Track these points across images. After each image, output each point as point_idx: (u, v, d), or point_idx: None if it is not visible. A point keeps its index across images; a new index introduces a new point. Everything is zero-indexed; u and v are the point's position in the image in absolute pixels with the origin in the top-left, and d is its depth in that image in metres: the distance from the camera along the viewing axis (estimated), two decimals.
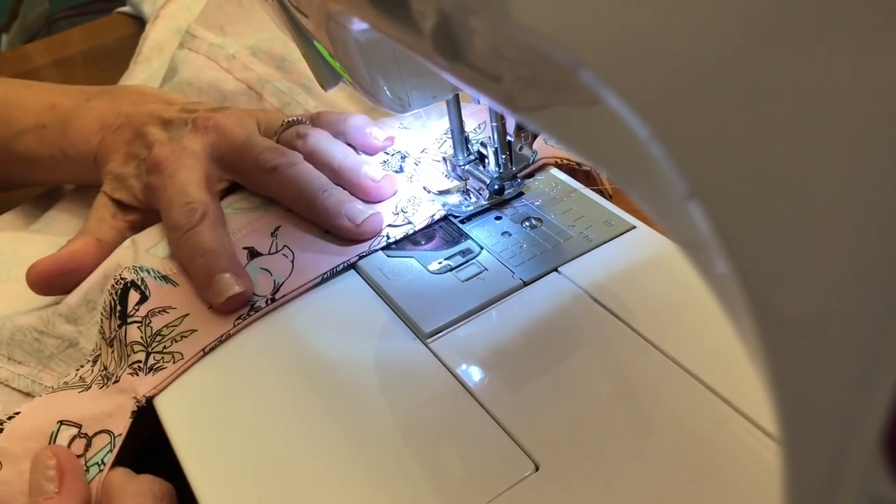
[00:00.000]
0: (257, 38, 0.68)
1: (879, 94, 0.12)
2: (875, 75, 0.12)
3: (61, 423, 0.41)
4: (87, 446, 0.40)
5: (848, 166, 0.13)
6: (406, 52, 0.26)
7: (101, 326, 0.47)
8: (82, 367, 0.46)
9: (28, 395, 0.48)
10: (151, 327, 0.45)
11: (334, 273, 0.48)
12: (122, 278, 0.47)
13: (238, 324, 0.45)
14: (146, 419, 0.43)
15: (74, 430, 0.40)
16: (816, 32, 0.13)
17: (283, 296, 0.46)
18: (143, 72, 0.83)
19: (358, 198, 0.50)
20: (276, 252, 0.49)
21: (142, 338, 0.44)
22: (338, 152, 0.52)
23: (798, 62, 0.13)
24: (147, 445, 0.48)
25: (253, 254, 0.49)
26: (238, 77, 0.66)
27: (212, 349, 0.44)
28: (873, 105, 0.13)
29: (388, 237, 0.49)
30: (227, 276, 0.45)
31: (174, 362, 0.43)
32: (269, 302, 0.46)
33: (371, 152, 0.56)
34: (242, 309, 0.45)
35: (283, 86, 0.64)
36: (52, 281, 0.50)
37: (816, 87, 0.13)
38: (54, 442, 0.40)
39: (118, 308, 0.46)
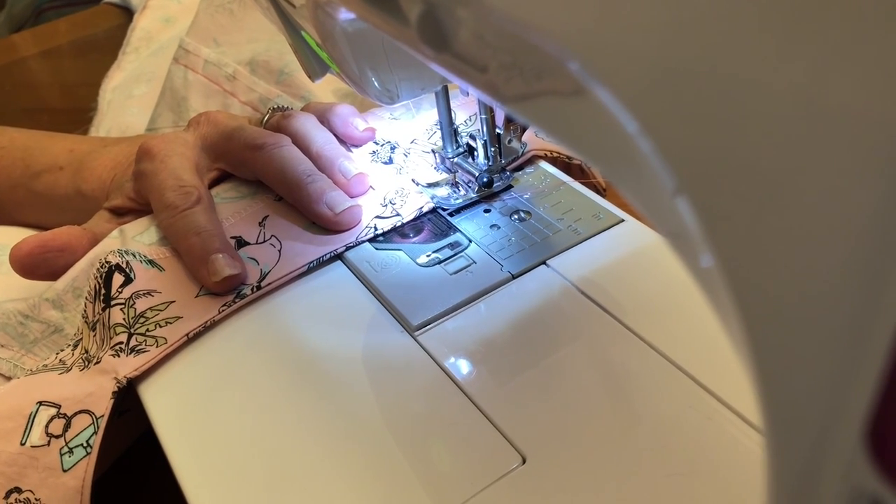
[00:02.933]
0: (252, 50, 0.68)
1: (864, 91, 0.12)
2: (860, 74, 0.12)
3: (40, 403, 0.40)
4: (67, 427, 0.40)
5: (833, 162, 0.13)
6: (394, 42, 0.26)
7: (85, 310, 0.46)
8: (62, 350, 0.46)
9: (9, 378, 0.48)
10: (135, 308, 0.44)
11: (321, 262, 0.47)
12: (106, 262, 0.46)
13: (223, 311, 0.44)
14: (135, 417, 0.42)
15: (53, 411, 0.40)
16: (804, 30, 0.13)
17: (269, 283, 0.46)
18: (132, 62, 0.82)
19: None
20: (264, 241, 0.49)
21: (124, 319, 0.44)
22: (318, 138, 0.52)
23: (785, 59, 0.13)
24: (135, 443, 0.48)
25: (241, 243, 0.49)
26: (243, 101, 0.67)
27: (196, 335, 0.44)
28: (858, 101, 0.12)
29: (375, 229, 0.49)
30: (221, 257, 0.45)
31: (157, 346, 0.43)
32: (255, 289, 0.45)
33: (352, 142, 0.55)
34: (228, 296, 0.45)
35: (284, 101, 0.65)
36: (35, 259, 0.49)
37: (802, 84, 0.13)
38: (32, 422, 0.40)
39: (102, 291, 0.45)
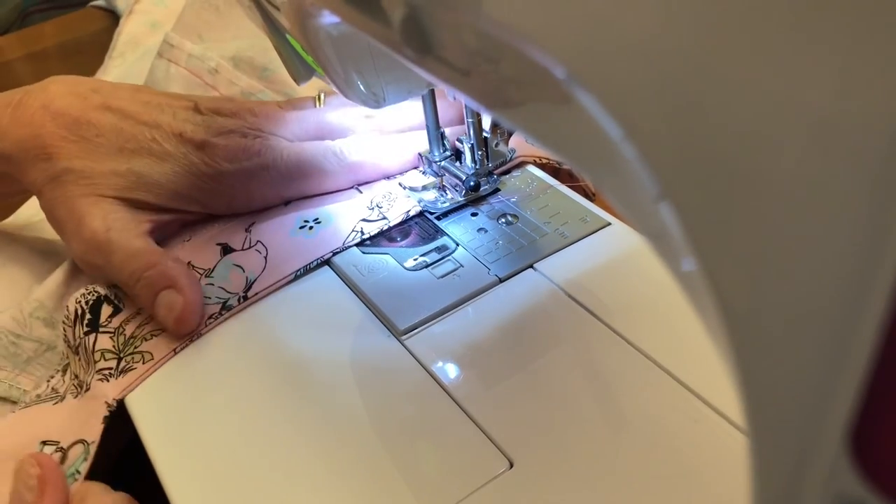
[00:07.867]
0: (237, 47, 0.68)
1: (848, 95, 0.12)
2: (844, 77, 0.12)
3: (44, 443, 0.41)
4: (63, 458, 0.40)
5: (817, 168, 0.13)
6: (380, 45, 0.26)
7: (66, 335, 0.46)
8: (52, 377, 0.46)
9: (5, 399, 0.47)
10: (124, 335, 0.44)
11: (308, 270, 0.47)
12: (95, 290, 0.46)
13: (210, 324, 0.44)
14: (123, 424, 0.42)
15: (53, 448, 0.41)
16: (786, 35, 0.13)
17: (256, 293, 0.46)
18: (118, 67, 0.82)
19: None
20: (250, 248, 0.48)
21: (114, 346, 0.44)
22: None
23: (768, 65, 0.13)
24: (125, 450, 0.48)
25: (226, 250, 0.48)
26: (223, 93, 0.66)
27: (183, 348, 0.43)
28: (842, 107, 0.12)
29: (362, 233, 0.48)
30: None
31: (144, 363, 0.43)
32: (242, 300, 0.45)
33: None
34: (215, 308, 0.45)
35: (266, 97, 0.64)
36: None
37: (788, 91, 0.13)
38: None
39: (87, 317, 0.45)
